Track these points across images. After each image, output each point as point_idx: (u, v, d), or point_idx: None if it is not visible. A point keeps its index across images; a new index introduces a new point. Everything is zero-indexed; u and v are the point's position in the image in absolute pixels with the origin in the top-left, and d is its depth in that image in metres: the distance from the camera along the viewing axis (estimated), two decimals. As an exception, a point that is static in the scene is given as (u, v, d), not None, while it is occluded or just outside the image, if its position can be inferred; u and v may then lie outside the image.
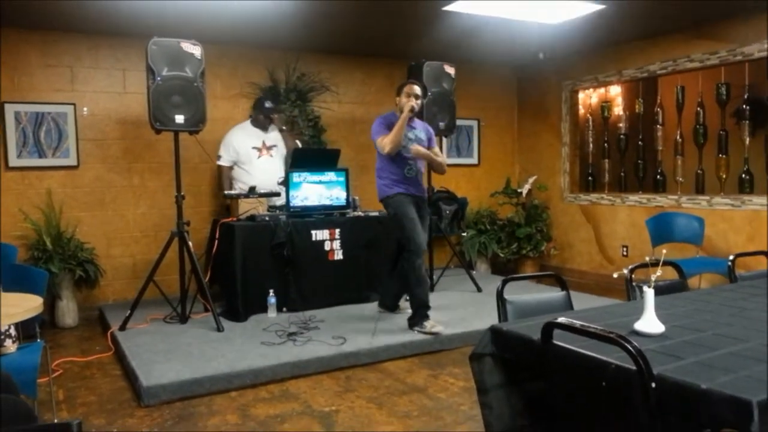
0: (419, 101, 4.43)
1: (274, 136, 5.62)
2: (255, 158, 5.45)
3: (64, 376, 3.89)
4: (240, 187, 5.39)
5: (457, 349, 4.27)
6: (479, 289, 5.76)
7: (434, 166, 4.72)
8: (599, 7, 4.88)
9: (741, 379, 1.46)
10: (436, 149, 4.71)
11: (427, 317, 4.39)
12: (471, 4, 4.72)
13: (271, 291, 4.90)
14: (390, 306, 4.93)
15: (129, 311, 4.62)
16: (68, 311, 5.16)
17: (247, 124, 5.62)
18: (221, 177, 5.60)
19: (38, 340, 3.05)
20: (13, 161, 5.20)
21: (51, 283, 4.84)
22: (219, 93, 5.95)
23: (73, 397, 3.54)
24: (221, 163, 5.54)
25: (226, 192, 5.20)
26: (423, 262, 4.45)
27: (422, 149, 4.47)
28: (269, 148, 5.50)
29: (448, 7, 4.79)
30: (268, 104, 5.56)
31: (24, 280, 3.06)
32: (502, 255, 6.94)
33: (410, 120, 4.45)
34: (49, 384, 3.33)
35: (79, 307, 5.29)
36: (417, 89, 4.44)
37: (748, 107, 5.65)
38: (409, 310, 4.75)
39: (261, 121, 5.55)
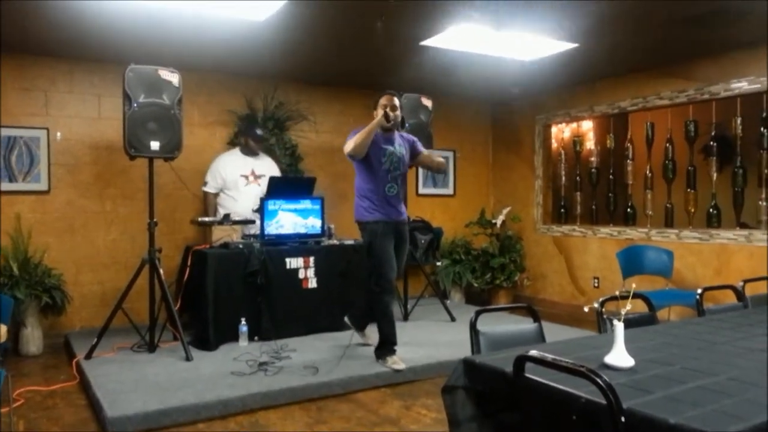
0: (397, 113, 4.24)
1: (263, 165, 5.61)
2: (242, 185, 5.43)
3: (26, 406, 3.76)
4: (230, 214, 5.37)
5: (430, 380, 4.24)
6: (453, 319, 5.76)
7: (434, 168, 4.63)
8: (572, 45, 5.01)
9: (708, 414, 1.48)
10: (426, 152, 4.56)
11: (392, 352, 4.31)
12: (448, 40, 4.81)
13: (243, 319, 4.83)
14: (358, 325, 4.77)
15: (96, 339, 4.51)
16: (32, 339, 5.02)
17: (236, 151, 5.62)
18: (206, 204, 5.57)
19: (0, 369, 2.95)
20: (-18, 184, 5.11)
21: (16, 310, 4.70)
22: (196, 120, 5.94)
23: (34, 427, 3.43)
24: (207, 189, 5.52)
25: (199, 219, 5.15)
26: (392, 299, 4.32)
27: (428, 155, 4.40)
28: (258, 177, 5.48)
29: (426, 42, 4.88)
30: (259, 131, 5.61)
31: (-12, 307, 2.97)
32: (476, 285, 6.96)
33: (390, 135, 4.29)
34: (9, 415, 3.22)
35: (45, 334, 5.15)
36: (395, 100, 4.26)
37: (715, 144, 5.81)
38: (371, 342, 4.68)
39: (251, 148, 5.54)
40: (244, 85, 6.14)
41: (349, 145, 4.13)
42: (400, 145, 4.36)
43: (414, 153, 4.47)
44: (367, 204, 4.26)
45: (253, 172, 5.50)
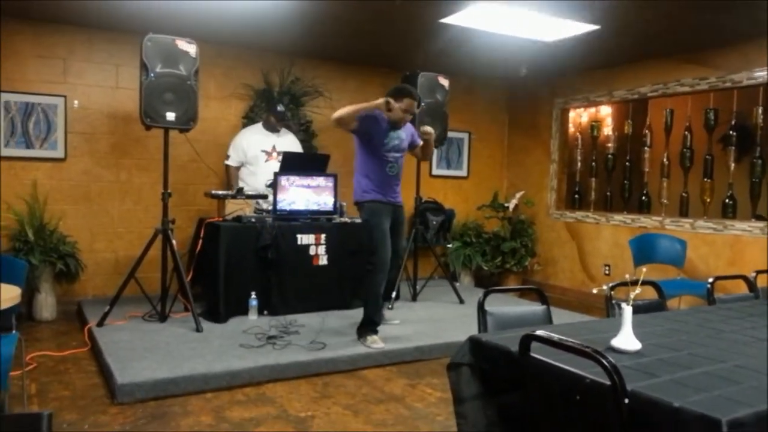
0: (406, 115, 4.22)
1: (285, 142, 5.64)
2: (262, 161, 5.48)
3: (38, 370, 3.83)
4: (244, 188, 5.46)
5: (436, 360, 4.26)
6: (462, 301, 5.76)
7: (427, 151, 4.52)
8: (593, 27, 4.93)
9: (713, 398, 1.47)
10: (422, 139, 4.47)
11: (373, 332, 4.31)
12: (467, 18, 4.75)
13: (253, 293, 4.87)
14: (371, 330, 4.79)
15: (108, 307, 4.57)
16: (46, 305, 5.10)
17: (260, 126, 5.68)
18: (228, 176, 5.67)
19: (13, 332, 3.01)
20: (0, 151, 5.15)
21: (30, 276, 4.78)
22: (212, 93, 5.94)
23: (45, 391, 3.50)
24: (228, 162, 5.63)
25: (213, 192, 5.17)
26: (383, 279, 4.28)
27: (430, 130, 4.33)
28: (279, 154, 5.51)
29: (445, 20, 4.82)
30: (279, 107, 5.62)
31: (3, 270, 3.02)
32: (486, 268, 6.96)
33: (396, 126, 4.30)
34: (22, 377, 3.29)
35: (58, 301, 5.23)
36: (414, 106, 4.25)
37: (734, 133, 5.73)
38: (396, 321, 4.76)
39: (272, 124, 5.60)
40: (261, 59, 6.12)
41: (337, 112, 4.09)
42: (402, 130, 4.38)
43: (413, 144, 4.51)
44: (365, 183, 4.31)
45: (274, 148, 5.53)
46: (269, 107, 5.68)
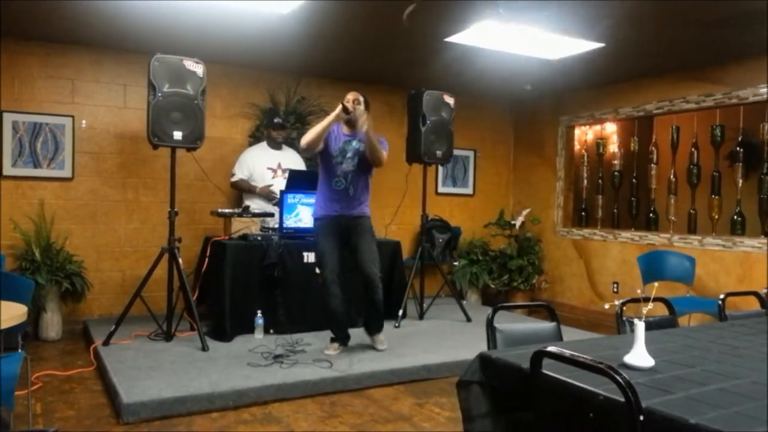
0: (360, 107, 4.27)
1: (289, 158, 5.68)
2: (269, 178, 5.53)
3: (43, 390, 3.81)
4: (251, 204, 5.48)
5: (444, 379, 4.22)
6: (469, 319, 5.72)
7: (373, 151, 4.23)
8: (598, 45, 4.95)
9: (730, 415, 1.44)
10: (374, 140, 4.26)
11: (332, 341, 4.49)
12: (472, 37, 4.78)
13: (259, 312, 4.85)
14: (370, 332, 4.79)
15: (114, 326, 4.56)
16: (52, 324, 5.09)
17: (264, 144, 5.72)
18: (240, 189, 5.67)
19: (19, 351, 2.99)
20: (8, 170, 5.18)
21: (37, 295, 4.78)
22: (219, 112, 5.98)
23: (50, 410, 3.47)
24: (234, 179, 5.63)
25: (219, 210, 5.17)
26: (330, 293, 4.35)
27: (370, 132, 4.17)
28: (284, 171, 5.54)
29: (450, 39, 4.85)
30: (277, 119, 5.69)
31: (9, 288, 3.01)
32: (493, 286, 6.91)
33: (354, 132, 4.34)
34: (28, 396, 3.27)
35: (64, 320, 5.22)
36: (352, 95, 4.32)
37: (741, 150, 5.71)
38: (381, 346, 4.62)
39: (274, 138, 5.63)
40: (267, 78, 6.17)
41: (302, 140, 4.22)
42: (359, 141, 4.34)
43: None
44: (317, 200, 4.43)
45: (279, 166, 5.57)
46: (268, 123, 5.72)
